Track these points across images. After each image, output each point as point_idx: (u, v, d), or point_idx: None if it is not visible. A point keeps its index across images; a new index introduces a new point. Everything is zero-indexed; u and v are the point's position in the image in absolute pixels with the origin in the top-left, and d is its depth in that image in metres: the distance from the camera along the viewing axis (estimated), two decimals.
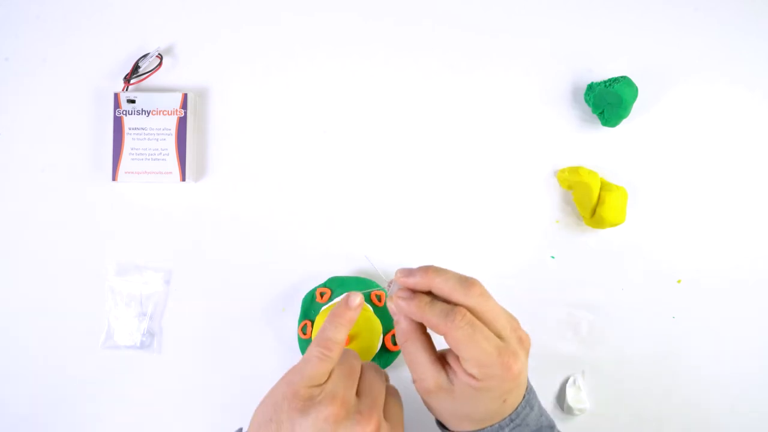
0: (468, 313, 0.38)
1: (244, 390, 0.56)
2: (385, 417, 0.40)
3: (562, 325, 0.56)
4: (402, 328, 0.41)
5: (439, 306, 0.39)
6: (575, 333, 0.56)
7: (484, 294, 0.39)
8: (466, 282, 0.39)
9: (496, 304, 0.40)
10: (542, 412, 0.43)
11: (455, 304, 0.39)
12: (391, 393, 0.42)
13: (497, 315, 0.39)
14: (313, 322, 0.53)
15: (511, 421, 0.40)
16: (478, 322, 0.38)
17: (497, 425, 0.40)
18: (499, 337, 0.39)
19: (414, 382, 0.41)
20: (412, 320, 0.40)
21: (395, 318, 0.41)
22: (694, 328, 0.56)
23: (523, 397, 0.41)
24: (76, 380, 0.56)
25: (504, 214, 0.57)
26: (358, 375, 0.40)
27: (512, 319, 0.41)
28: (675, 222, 0.57)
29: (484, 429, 0.40)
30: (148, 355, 0.56)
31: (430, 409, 0.42)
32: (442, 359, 0.40)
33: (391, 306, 0.41)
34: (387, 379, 0.43)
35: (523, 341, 0.40)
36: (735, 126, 0.57)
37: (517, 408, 0.40)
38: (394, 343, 0.53)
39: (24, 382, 0.56)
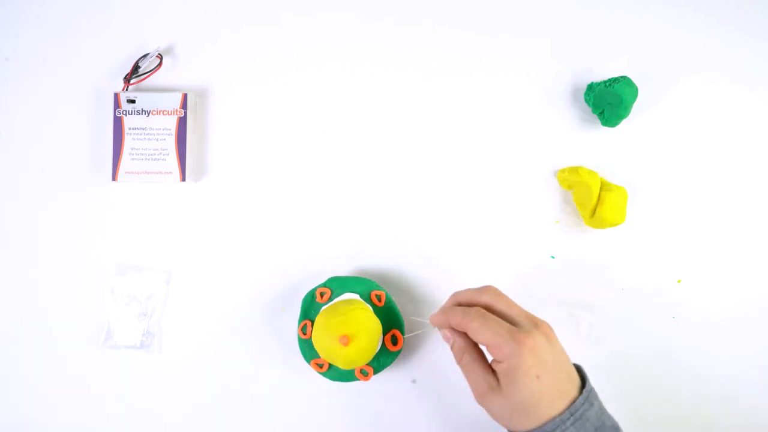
0: (480, 309, 0.45)
1: (243, 390, 0.56)
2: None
3: (562, 325, 0.56)
4: (456, 346, 0.47)
5: (459, 309, 0.46)
6: (575, 333, 0.56)
7: (497, 293, 0.46)
8: (480, 288, 0.47)
9: (510, 300, 0.46)
10: (604, 411, 0.44)
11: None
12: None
13: (509, 306, 0.45)
14: (313, 322, 0.53)
15: (571, 414, 0.42)
16: (489, 314, 0.44)
17: (558, 419, 0.41)
18: (513, 323, 0.44)
19: (474, 395, 0.45)
20: (464, 338, 0.46)
21: (447, 341, 0.47)
22: (694, 328, 0.56)
23: (580, 392, 0.43)
24: (76, 380, 0.56)
25: (504, 214, 0.57)
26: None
27: (527, 312, 0.46)
28: (675, 222, 0.57)
29: (545, 424, 0.42)
30: (148, 355, 0.56)
31: (494, 417, 0.45)
32: (491, 368, 0.45)
33: (442, 333, 0.48)
34: None
35: (539, 325, 0.44)
36: (735, 126, 0.57)
37: (575, 402, 0.42)
38: (394, 343, 0.53)
39: (24, 382, 0.56)
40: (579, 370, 0.46)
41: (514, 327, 0.43)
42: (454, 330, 0.47)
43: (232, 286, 0.57)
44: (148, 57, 0.57)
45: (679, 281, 0.57)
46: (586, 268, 0.57)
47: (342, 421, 0.56)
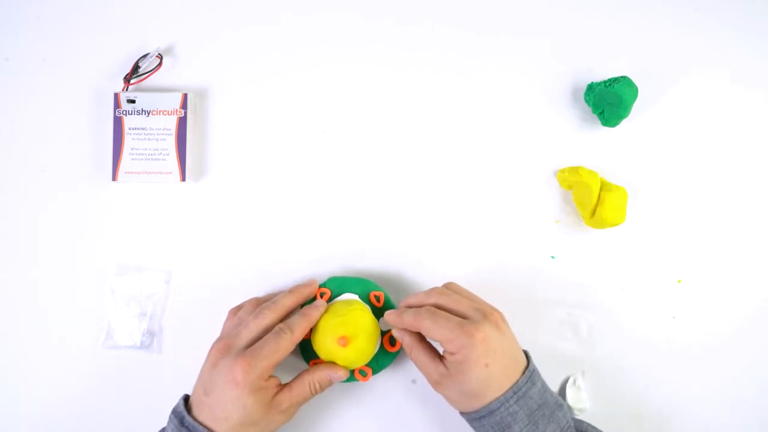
0: (431, 307, 0.48)
1: None
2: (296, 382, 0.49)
3: (562, 325, 0.56)
4: (405, 343, 0.50)
5: (411, 310, 0.49)
6: (575, 333, 0.56)
7: (445, 292, 0.50)
8: (428, 290, 0.51)
9: (459, 297, 0.49)
10: (547, 389, 0.48)
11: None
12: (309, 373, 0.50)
13: (458, 303, 0.48)
14: None
15: (514, 393, 0.45)
16: (439, 311, 0.47)
17: (502, 398, 0.45)
18: (463, 317, 0.47)
19: (429, 383, 0.49)
20: (411, 335, 0.50)
21: (399, 339, 0.50)
22: (694, 328, 0.56)
23: (523, 373, 0.47)
24: (75, 380, 0.56)
25: (504, 214, 0.57)
26: (258, 329, 0.48)
27: (479, 304, 0.49)
28: (675, 222, 0.57)
29: (491, 403, 0.45)
30: (148, 355, 0.56)
31: (447, 400, 0.49)
32: (440, 356, 0.48)
33: (394, 332, 0.51)
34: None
35: (488, 315, 0.47)
36: (735, 126, 0.57)
37: (518, 381, 0.46)
38: (393, 344, 0.53)
39: (24, 382, 0.56)
40: (525, 353, 0.49)
41: (464, 320, 0.46)
42: (404, 329, 0.50)
43: (232, 286, 0.57)
44: (148, 57, 0.57)
45: (679, 281, 0.57)
46: (586, 268, 0.57)
47: (342, 421, 0.56)
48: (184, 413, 0.47)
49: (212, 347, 0.49)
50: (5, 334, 0.56)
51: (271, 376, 0.48)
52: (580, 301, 0.56)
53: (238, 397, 0.45)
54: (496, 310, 0.48)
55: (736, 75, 0.57)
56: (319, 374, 0.50)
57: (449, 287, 0.51)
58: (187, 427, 0.46)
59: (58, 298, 0.57)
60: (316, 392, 0.50)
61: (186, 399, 0.49)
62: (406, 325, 0.49)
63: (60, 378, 0.56)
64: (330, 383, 0.50)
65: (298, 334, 0.49)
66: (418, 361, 0.49)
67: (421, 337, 0.50)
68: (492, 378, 0.45)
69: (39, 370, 0.56)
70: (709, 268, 0.57)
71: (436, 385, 0.48)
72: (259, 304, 0.51)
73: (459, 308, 0.48)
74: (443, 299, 0.49)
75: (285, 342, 0.48)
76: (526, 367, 0.47)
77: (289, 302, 0.51)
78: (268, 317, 0.49)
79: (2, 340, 0.56)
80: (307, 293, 0.52)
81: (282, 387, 0.49)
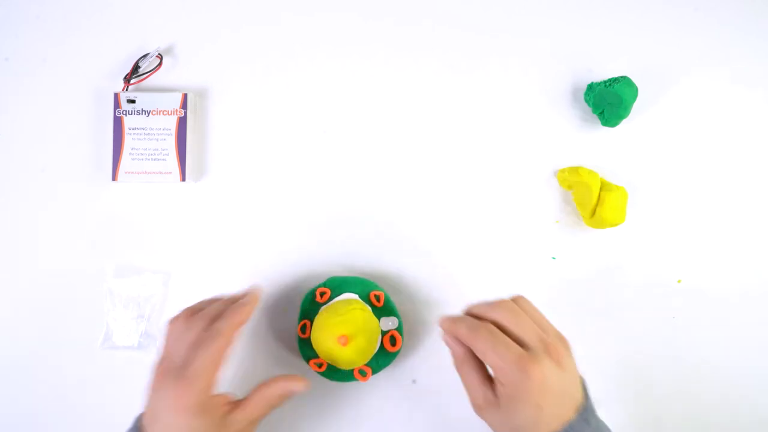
0: (491, 326, 0.43)
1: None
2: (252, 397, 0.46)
3: (562, 325, 0.56)
4: (455, 354, 0.45)
5: (468, 321, 0.44)
6: (575, 333, 0.56)
7: (512, 309, 0.44)
8: (495, 301, 0.45)
9: (526, 318, 0.44)
10: (601, 426, 0.44)
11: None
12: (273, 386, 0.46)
13: (522, 327, 0.43)
14: (312, 322, 0.53)
15: None
16: (499, 333, 0.42)
17: None
18: (523, 346, 0.42)
19: (471, 404, 0.45)
20: (463, 347, 0.45)
21: (449, 347, 0.46)
22: (694, 328, 0.56)
23: (578, 411, 0.42)
24: (74, 381, 0.56)
25: (504, 214, 0.57)
26: (190, 344, 0.45)
27: (545, 332, 0.44)
28: (675, 222, 0.57)
29: None
30: (146, 357, 0.56)
31: (488, 425, 0.44)
32: (490, 379, 0.44)
33: (444, 338, 0.46)
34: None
35: (551, 350, 0.42)
36: (735, 126, 0.57)
37: (570, 421, 0.41)
38: (393, 344, 0.53)
39: (22, 383, 0.56)
40: (582, 384, 0.45)
41: (523, 352, 0.41)
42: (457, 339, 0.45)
43: (232, 287, 0.57)
44: (148, 57, 0.57)
45: (679, 281, 0.57)
46: (586, 268, 0.57)
47: (342, 421, 0.56)
48: None
49: (154, 369, 0.45)
50: (4, 335, 0.56)
51: (218, 393, 0.45)
52: (581, 301, 0.56)
53: (186, 423, 0.42)
54: (562, 342, 0.44)
55: (736, 75, 0.57)
56: (275, 387, 0.46)
57: (519, 303, 0.45)
58: None
59: (56, 298, 0.56)
60: (274, 407, 0.46)
61: (140, 417, 0.46)
62: (460, 337, 0.44)
63: (58, 379, 0.56)
64: (290, 396, 0.47)
65: (228, 337, 0.45)
66: (466, 380, 0.45)
67: (473, 353, 0.45)
68: (542, 419, 0.41)
69: (38, 370, 0.56)
70: (709, 268, 0.57)
71: (479, 409, 0.44)
72: (193, 313, 0.47)
73: (522, 335, 0.42)
74: (508, 318, 0.43)
75: (215, 352, 0.44)
76: (582, 403, 0.43)
77: (221, 310, 0.47)
78: (200, 328, 0.45)
79: (1, 340, 0.56)
80: (241, 302, 0.48)
81: (235, 404, 0.45)
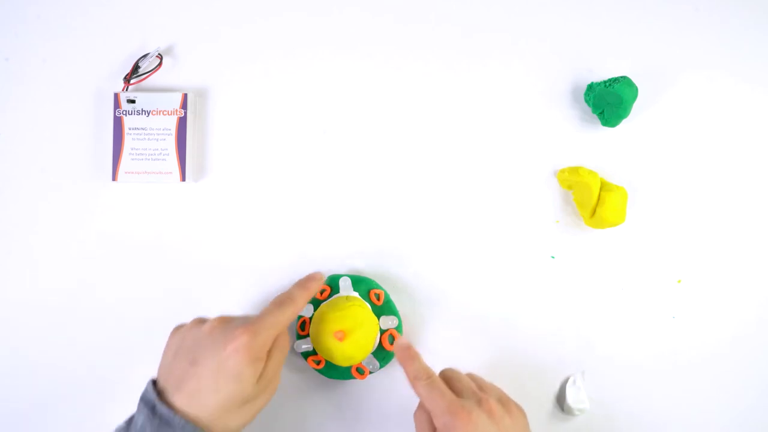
0: (432, 374, 0.46)
1: None
2: (273, 348, 0.46)
3: (562, 325, 0.56)
4: (416, 391, 0.46)
5: (418, 363, 0.47)
6: (575, 333, 0.56)
7: (454, 370, 0.48)
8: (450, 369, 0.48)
9: (465, 377, 0.47)
10: None
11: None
12: (283, 335, 0.48)
13: (461, 381, 0.46)
14: (310, 319, 0.53)
15: None
16: (439, 381, 0.45)
17: None
18: (459, 395, 0.45)
19: None
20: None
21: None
22: (694, 328, 0.56)
23: None
24: (74, 380, 0.56)
25: (504, 214, 0.57)
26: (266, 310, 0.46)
27: (482, 389, 0.46)
28: (675, 222, 0.57)
29: None
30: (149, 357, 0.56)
31: None
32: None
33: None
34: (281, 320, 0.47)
35: (483, 403, 0.44)
36: (735, 126, 0.57)
37: None
38: (391, 343, 0.53)
39: (22, 383, 0.56)
40: None
41: (455, 398, 0.44)
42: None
43: (232, 286, 0.57)
44: (148, 57, 0.57)
45: (679, 281, 0.57)
46: (586, 268, 0.57)
47: (342, 421, 0.56)
48: (156, 401, 0.42)
49: (203, 325, 0.45)
50: (4, 334, 0.56)
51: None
52: (580, 301, 0.56)
53: (236, 365, 0.42)
54: (504, 404, 0.45)
55: (736, 75, 0.57)
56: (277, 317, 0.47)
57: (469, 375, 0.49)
58: (159, 417, 0.41)
59: (56, 298, 0.57)
60: (287, 347, 0.48)
61: (155, 382, 0.45)
62: (405, 372, 0.47)
63: (57, 379, 0.56)
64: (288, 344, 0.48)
65: (301, 304, 0.47)
66: (416, 421, 0.47)
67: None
68: None
69: (38, 370, 0.56)
70: (709, 268, 0.57)
71: None
72: (203, 322, 0.47)
73: (459, 385, 0.46)
74: (448, 374, 0.47)
75: (288, 312, 0.46)
76: None
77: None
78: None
79: (1, 339, 0.56)
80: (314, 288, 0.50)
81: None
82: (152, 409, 0.42)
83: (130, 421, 0.44)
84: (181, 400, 0.42)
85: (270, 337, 0.44)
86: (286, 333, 0.48)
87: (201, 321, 0.47)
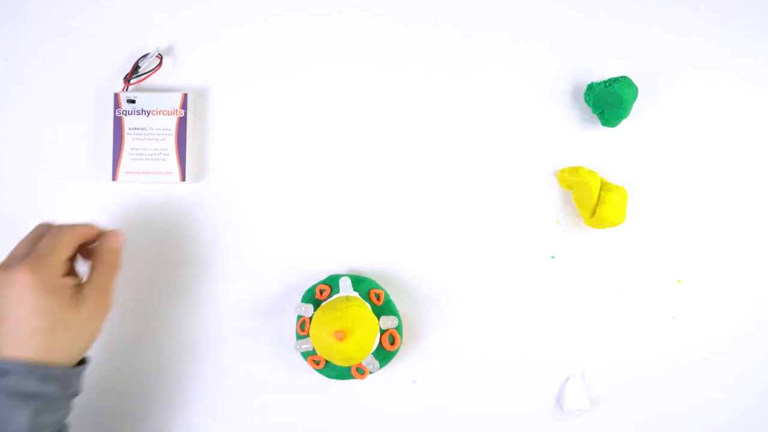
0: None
1: (243, 390, 0.56)
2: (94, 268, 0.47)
3: (562, 325, 0.56)
4: None
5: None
6: (575, 333, 0.56)
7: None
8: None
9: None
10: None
11: None
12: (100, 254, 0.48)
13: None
14: (310, 319, 0.53)
15: None
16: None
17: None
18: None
19: None
20: None
21: None
22: (694, 328, 0.56)
23: None
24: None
25: (504, 214, 0.57)
26: (37, 236, 0.46)
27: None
28: (675, 222, 0.57)
29: None
30: (149, 355, 0.56)
31: None
32: None
33: None
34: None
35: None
36: (735, 126, 0.57)
37: None
38: (392, 343, 0.53)
39: None
40: None
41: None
42: None
43: (232, 286, 0.57)
44: (148, 57, 0.57)
45: (679, 281, 0.57)
46: (586, 268, 0.57)
47: (342, 421, 0.56)
48: None
49: None
50: None
51: (66, 276, 0.45)
52: (580, 301, 0.56)
53: (35, 303, 0.42)
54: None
55: (736, 75, 0.57)
56: (105, 248, 0.48)
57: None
58: None
59: None
60: (118, 267, 0.48)
61: None
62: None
63: None
64: (119, 242, 0.49)
65: (72, 234, 0.46)
66: None
67: None
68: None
69: None
70: (709, 268, 0.57)
71: None
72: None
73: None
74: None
75: (65, 236, 0.45)
76: None
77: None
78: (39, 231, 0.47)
79: None
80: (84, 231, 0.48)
81: (83, 281, 0.46)
82: None
83: None
84: (6, 350, 0.42)
85: (54, 263, 0.44)
86: (107, 250, 0.48)
87: None
